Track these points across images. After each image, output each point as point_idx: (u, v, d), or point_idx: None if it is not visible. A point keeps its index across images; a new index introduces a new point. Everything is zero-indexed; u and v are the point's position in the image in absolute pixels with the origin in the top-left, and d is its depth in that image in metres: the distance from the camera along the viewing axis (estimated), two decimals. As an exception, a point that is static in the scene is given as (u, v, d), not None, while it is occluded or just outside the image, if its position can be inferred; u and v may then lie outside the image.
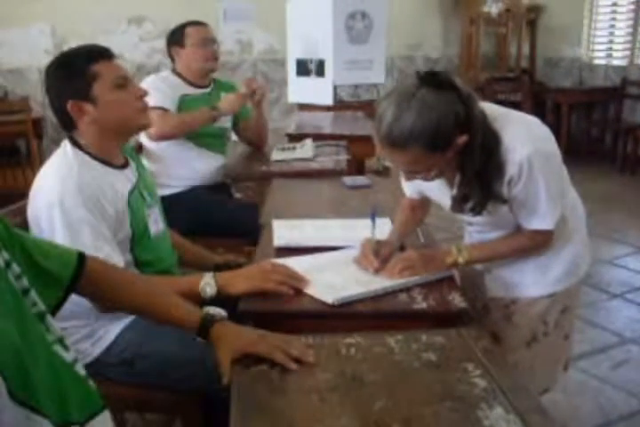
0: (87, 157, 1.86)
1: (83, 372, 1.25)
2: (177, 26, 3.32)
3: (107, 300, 1.56)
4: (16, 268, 1.19)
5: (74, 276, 1.40)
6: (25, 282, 1.20)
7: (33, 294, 1.21)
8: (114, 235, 1.83)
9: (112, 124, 1.88)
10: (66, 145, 1.89)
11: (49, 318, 1.22)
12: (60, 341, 1.22)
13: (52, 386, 1.13)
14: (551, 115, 7.31)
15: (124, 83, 1.89)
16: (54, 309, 1.37)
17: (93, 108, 1.84)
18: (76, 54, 1.87)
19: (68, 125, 1.89)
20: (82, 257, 1.44)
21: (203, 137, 3.26)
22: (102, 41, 1.95)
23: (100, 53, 1.87)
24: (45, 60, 2.07)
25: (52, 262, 1.37)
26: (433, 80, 1.60)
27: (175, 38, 3.29)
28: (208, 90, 3.37)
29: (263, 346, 1.42)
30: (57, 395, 1.15)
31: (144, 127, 2.05)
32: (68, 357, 1.22)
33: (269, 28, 6.94)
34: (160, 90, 3.13)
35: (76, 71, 1.83)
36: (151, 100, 3.00)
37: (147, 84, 3.03)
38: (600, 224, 4.73)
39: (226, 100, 3.26)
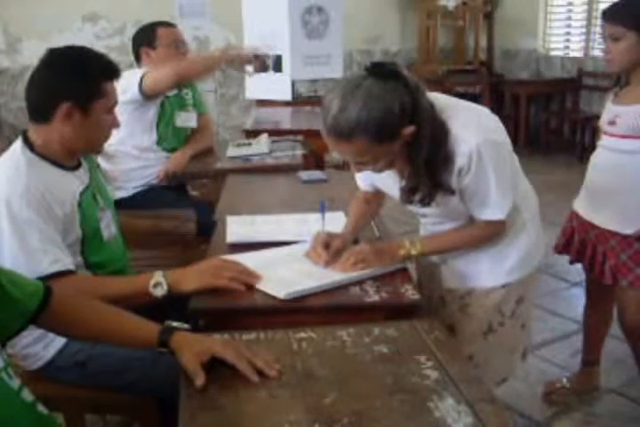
0: (35, 157, 1.82)
1: (30, 398, 1.23)
2: (145, 26, 3.25)
3: (67, 331, 1.53)
4: None
5: (39, 307, 1.38)
6: None
7: None
8: (63, 237, 1.79)
9: (83, 139, 1.85)
10: (16, 144, 1.84)
11: None
12: (6, 369, 1.19)
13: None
14: (510, 106, 7.38)
15: (112, 108, 1.89)
16: (10, 337, 1.35)
17: (81, 120, 1.81)
18: (96, 62, 1.85)
19: (38, 117, 1.83)
20: (48, 290, 1.41)
21: (169, 139, 3.26)
22: (57, 40, 1.89)
23: (114, 73, 1.87)
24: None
25: (19, 291, 1.34)
26: (379, 71, 1.59)
27: (145, 39, 3.21)
28: (176, 90, 3.34)
29: (231, 351, 1.38)
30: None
31: (96, 152, 2.06)
32: (14, 385, 1.20)
33: (226, 23, 6.89)
34: None
35: (90, 81, 1.81)
36: None
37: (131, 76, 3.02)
38: (559, 213, 4.72)
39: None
